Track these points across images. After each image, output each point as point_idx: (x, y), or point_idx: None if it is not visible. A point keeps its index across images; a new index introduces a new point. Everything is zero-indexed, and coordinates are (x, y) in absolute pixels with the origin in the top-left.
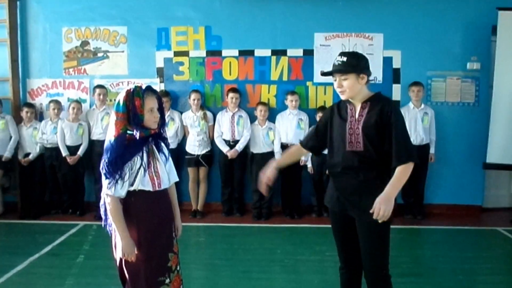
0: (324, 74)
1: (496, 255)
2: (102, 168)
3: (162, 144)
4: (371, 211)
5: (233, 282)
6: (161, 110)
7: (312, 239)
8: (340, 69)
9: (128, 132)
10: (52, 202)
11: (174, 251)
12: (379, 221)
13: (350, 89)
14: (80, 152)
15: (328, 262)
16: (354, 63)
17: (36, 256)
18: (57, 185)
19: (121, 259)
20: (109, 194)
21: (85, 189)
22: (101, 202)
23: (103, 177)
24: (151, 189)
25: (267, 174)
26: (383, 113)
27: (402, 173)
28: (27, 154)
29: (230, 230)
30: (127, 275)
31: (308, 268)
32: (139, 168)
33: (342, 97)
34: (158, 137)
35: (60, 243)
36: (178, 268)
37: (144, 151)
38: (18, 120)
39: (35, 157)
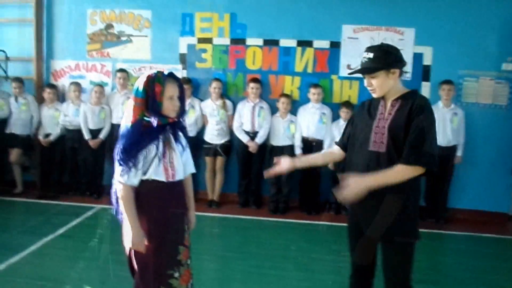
0: (351, 73)
1: None
2: (117, 154)
3: (180, 133)
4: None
5: (244, 276)
6: (182, 98)
7: (328, 237)
8: (367, 68)
9: (145, 119)
10: (71, 184)
11: (185, 245)
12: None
13: (380, 87)
14: (102, 135)
15: (343, 262)
16: (382, 59)
17: (50, 237)
18: (76, 167)
19: (130, 249)
20: (122, 181)
21: (105, 173)
22: (113, 190)
23: (116, 163)
24: (164, 180)
25: (283, 165)
26: (411, 112)
27: (396, 172)
28: (48, 135)
29: (245, 223)
30: (135, 266)
31: (322, 267)
32: (154, 157)
33: (374, 96)
34: (177, 126)
35: (75, 225)
36: (188, 262)
37: (160, 140)
38: (40, 100)
39: (56, 138)
